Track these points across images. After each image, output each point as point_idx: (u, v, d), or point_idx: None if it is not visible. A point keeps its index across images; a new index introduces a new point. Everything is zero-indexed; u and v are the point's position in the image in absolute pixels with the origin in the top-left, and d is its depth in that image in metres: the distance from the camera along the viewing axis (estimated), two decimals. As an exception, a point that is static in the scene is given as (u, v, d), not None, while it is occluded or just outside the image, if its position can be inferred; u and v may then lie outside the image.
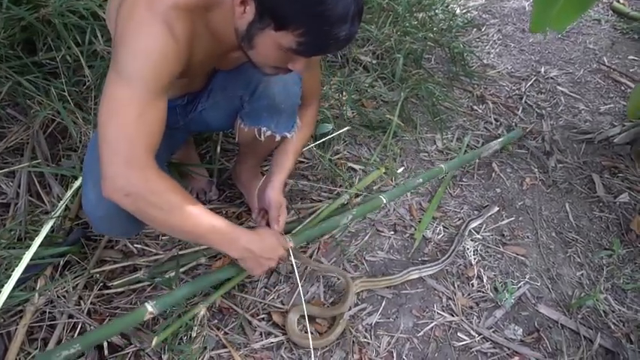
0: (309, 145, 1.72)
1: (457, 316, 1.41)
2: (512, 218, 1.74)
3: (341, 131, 1.79)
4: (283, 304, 1.38)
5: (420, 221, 1.67)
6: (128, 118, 0.87)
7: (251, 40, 0.92)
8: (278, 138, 1.29)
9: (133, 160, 0.89)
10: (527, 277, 1.54)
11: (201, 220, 0.99)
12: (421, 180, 1.64)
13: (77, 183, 1.43)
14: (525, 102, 2.37)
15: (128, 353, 1.21)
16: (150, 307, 1.09)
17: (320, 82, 1.41)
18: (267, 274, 1.44)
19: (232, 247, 1.07)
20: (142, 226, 1.22)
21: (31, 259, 1.22)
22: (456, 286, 1.49)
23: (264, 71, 1.01)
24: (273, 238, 1.15)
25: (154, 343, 1.18)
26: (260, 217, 1.30)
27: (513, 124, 2.21)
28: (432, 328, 1.37)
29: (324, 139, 1.77)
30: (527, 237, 1.68)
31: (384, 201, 1.48)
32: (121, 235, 1.38)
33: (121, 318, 1.15)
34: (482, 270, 1.54)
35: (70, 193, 1.41)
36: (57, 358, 0.97)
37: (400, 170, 1.86)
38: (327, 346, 1.29)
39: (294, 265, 1.25)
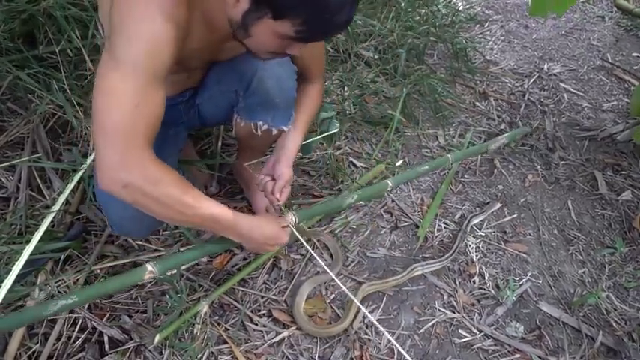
0: (311, 139, 1.70)
1: (458, 313, 1.40)
2: (514, 215, 1.74)
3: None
4: (283, 296, 1.38)
5: (423, 218, 1.66)
6: (125, 107, 0.85)
7: (247, 29, 0.90)
8: (275, 132, 1.28)
9: (131, 152, 0.86)
10: (529, 274, 1.54)
11: (201, 211, 0.98)
12: (427, 167, 1.60)
13: (77, 177, 1.43)
14: (528, 99, 2.36)
15: (129, 348, 1.21)
16: (150, 267, 1.05)
17: (323, 57, 1.32)
18: (268, 271, 1.44)
19: (234, 235, 1.07)
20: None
21: (31, 254, 1.22)
22: (457, 282, 1.48)
23: (260, 57, 1.00)
24: (274, 224, 1.13)
25: (156, 340, 1.18)
26: (264, 182, 1.25)
27: (516, 121, 2.20)
28: (433, 325, 1.37)
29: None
30: (529, 234, 1.68)
31: (390, 185, 1.45)
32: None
33: (121, 276, 1.10)
34: (483, 267, 1.54)
35: (70, 187, 1.41)
36: (54, 307, 0.96)
37: (399, 163, 1.86)
38: (338, 334, 1.30)
39: (300, 239, 1.21)
